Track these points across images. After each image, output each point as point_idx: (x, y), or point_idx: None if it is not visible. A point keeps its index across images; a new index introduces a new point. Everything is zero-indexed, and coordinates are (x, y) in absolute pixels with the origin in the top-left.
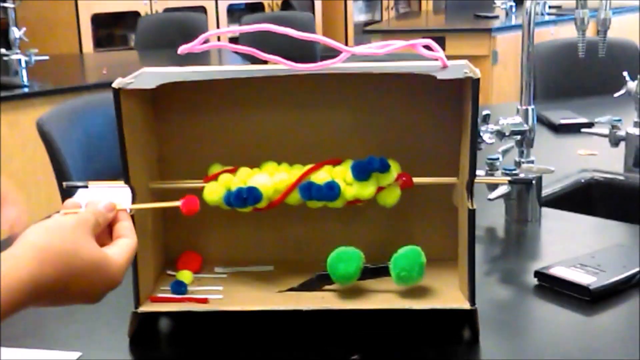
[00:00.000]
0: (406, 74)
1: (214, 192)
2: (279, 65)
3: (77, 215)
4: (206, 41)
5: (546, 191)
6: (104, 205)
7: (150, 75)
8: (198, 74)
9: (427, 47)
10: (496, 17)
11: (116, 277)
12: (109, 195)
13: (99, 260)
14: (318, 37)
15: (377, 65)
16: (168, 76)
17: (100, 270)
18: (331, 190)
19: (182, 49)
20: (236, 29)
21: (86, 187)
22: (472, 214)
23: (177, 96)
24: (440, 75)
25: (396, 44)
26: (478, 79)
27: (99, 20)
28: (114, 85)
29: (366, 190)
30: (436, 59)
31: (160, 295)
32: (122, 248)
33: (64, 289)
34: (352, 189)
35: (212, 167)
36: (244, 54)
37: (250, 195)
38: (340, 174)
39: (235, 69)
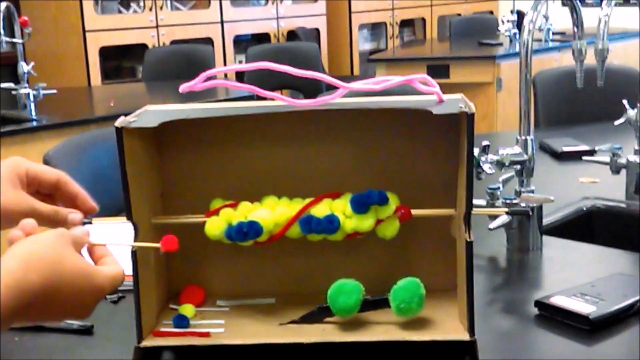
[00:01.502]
0: (403, 108)
1: (216, 226)
2: (278, 102)
3: (55, 230)
4: (208, 78)
5: (548, 219)
6: (79, 229)
7: (153, 113)
8: (199, 112)
9: (424, 82)
10: (500, 44)
11: (103, 285)
12: (112, 232)
13: (84, 269)
14: (316, 74)
15: (374, 101)
16: (170, 114)
17: (86, 277)
18: (331, 223)
19: (183, 87)
20: (236, 67)
21: (90, 223)
22: (469, 245)
23: (179, 132)
24: (436, 110)
25: (393, 80)
26: (473, 114)
27: (106, 53)
28: (117, 124)
29: (365, 223)
30: (432, 94)
31: (162, 329)
32: (107, 263)
33: (51, 297)
34: (351, 222)
35: (213, 202)
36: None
37: (250, 229)
38: (340, 207)
39: (236, 105)
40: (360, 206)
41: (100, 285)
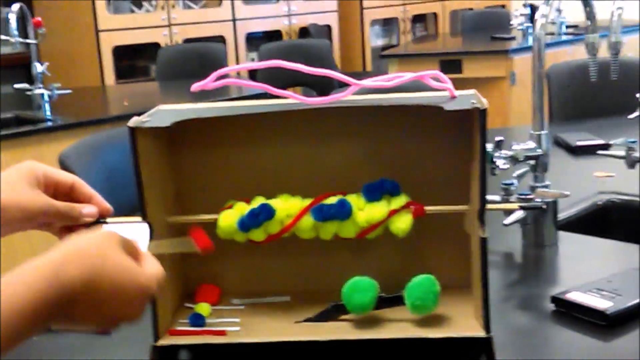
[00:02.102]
0: (415, 105)
1: (229, 217)
2: (290, 100)
3: (104, 230)
4: (220, 77)
5: (563, 214)
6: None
7: (166, 113)
8: (212, 111)
9: (436, 78)
10: (513, 38)
11: (147, 284)
12: (127, 232)
13: (127, 267)
14: (328, 72)
15: (386, 97)
16: (183, 113)
17: (129, 275)
18: (343, 207)
19: (195, 86)
20: (248, 66)
21: (105, 222)
22: (484, 242)
23: (193, 131)
24: (448, 107)
25: (405, 76)
26: (485, 110)
27: (120, 52)
28: (130, 124)
29: (378, 212)
30: (444, 90)
31: (179, 328)
32: (149, 262)
33: (93, 294)
34: (364, 214)
35: (226, 204)
36: (261, 81)
37: (263, 210)
38: (352, 201)
39: (248, 104)
40: (372, 193)
41: (145, 284)
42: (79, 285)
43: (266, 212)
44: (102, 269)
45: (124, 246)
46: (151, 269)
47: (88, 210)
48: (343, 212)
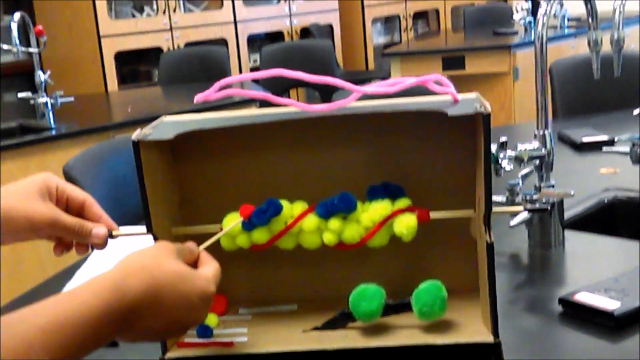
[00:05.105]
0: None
1: (233, 218)
2: (292, 108)
3: (159, 242)
4: (222, 87)
5: (569, 213)
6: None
7: (169, 125)
8: (214, 122)
9: (438, 82)
10: (515, 32)
11: (205, 286)
12: (132, 244)
13: (183, 272)
14: (329, 79)
15: (388, 103)
16: (186, 125)
17: (187, 279)
18: (346, 200)
19: (198, 97)
20: (250, 76)
21: (112, 236)
22: (490, 247)
23: (196, 141)
24: (451, 112)
25: (407, 81)
26: (489, 114)
27: (122, 58)
28: (133, 137)
29: (381, 209)
30: (447, 94)
31: (186, 340)
32: (205, 264)
33: (154, 303)
34: (368, 213)
35: (228, 216)
36: (264, 84)
37: (270, 205)
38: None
39: (251, 114)
40: (376, 194)
41: (203, 287)
42: (140, 296)
43: (274, 208)
44: (161, 279)
45: (179, 254)
46: (208, 271)
47: (98, 230)
48: (347, 205)
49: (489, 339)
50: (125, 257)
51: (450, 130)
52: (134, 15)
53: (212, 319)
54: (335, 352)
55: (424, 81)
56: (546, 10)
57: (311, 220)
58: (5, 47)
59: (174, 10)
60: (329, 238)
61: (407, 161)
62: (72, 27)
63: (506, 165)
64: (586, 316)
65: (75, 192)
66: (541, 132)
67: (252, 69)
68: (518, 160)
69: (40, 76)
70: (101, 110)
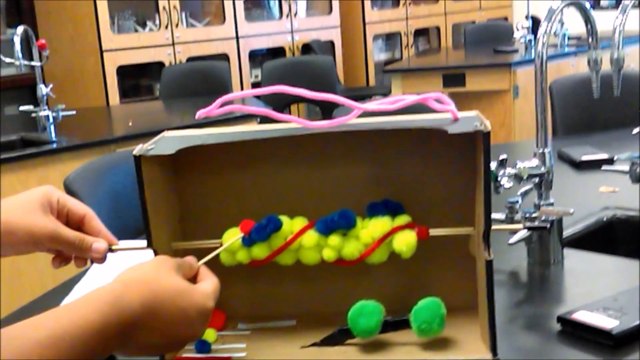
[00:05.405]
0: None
1: (233, 234)
2: (293, 124)
3: (158, 256)
4: (224, 103)
5: (568, 231)
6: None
7: (170, 140)
8: (215, 137)
9: (438, 100)
10: (515, 50)
11: (203, 301)
12: (132, 258)
13: (183, 287)
14: (330, 96)
15: (389, 121)
16: (187, 140)
17: (186, 295)
18: (346, 217)
19: (200, 114)
20: (252, 92)
21: (112, 250)
22: (489, 264)
23: (197, 156)
24: (451, 130)
25: (407, 99)
26: (489, 132)
27: (124, 72)
28: (135, 152)
29: (381, 226)
30: (447, 112)
31: (185, 355)
32: (204, 279)
33: (153, 317)
34: (367, 230)
35: (227, 232)
36: (265, 99)
37: (270, 222)
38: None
39: (252, 130)
40: (376, 211)
41: (201, 302)
42: (139, 310)
43: (274, 224)
44: (160, 294)
45: (179, 268)
46: (207, 287)
47: (98, 245)
48: (347, 221)
49: (488, 356)
50: (125, 270)
51: (450, 147)
52: (136, 30)
53: (210, 334)
54: None
55: (425, 99)
56: (546, 29)
57: (311, 236)
58: (7, 60)
59: (177, 25)
60: (328, 254)
61: (407, 178)
62: (75, 41)
63: (506, 182)
64: (585, 335)
65: (76, 206)
66: (541, 150)
67: (254, 84)
68: (517, 178)
69: (42, 89)
70: (102, 124)
